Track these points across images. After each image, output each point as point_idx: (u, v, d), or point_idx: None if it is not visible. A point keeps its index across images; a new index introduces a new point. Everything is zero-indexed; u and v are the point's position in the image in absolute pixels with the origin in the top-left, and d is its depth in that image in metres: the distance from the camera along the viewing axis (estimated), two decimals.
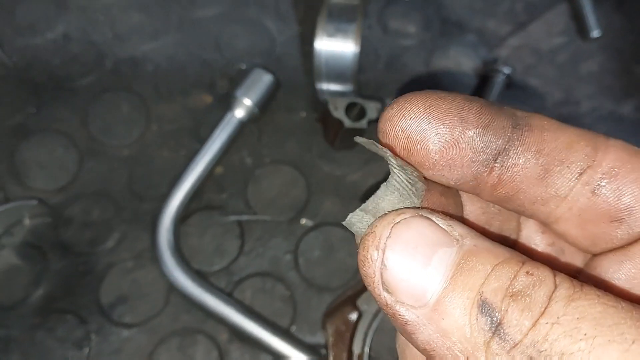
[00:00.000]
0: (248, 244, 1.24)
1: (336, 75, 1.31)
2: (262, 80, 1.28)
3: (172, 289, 1.17)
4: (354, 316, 1.11)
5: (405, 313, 0.38)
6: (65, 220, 1.24)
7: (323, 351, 1.15)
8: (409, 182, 0.44)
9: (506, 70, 1.36)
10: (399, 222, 0.40)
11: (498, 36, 1.49)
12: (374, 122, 1.18)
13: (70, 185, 1.27)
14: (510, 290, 0.37)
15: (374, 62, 1.43)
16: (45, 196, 1.25)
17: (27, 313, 1.17)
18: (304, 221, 1.26)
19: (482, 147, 0.42)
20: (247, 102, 1.25)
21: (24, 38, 1.40)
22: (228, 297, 1.17)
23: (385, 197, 0.45)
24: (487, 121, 0.41)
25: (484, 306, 0.37)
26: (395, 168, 0.44)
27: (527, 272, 0.38)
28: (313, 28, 1.32)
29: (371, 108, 1.17)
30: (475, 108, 0.42)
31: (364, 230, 0.45)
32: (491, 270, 0.38)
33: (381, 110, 1.13)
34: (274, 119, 1.35)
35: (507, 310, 0.37)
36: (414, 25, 1.48)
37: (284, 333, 1.15)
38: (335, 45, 1.30)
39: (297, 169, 1.30)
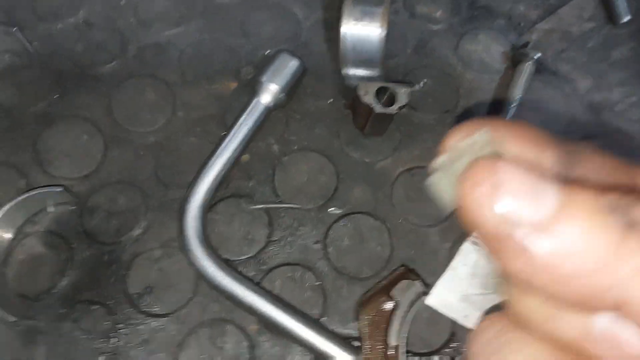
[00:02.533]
0: (276, 232, 1.20)
1: (363, 59, 1.28)
2: (289, 65, 1.24)
3: (201, 278, 1.14)
4: (389, 307, 1.08)
5: (522, 231, 0.36)
6: (90, 208, 1.20)
7: (355, 342, 1.11)
8: None
9: (535, 55, 1.32)
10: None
11: (528, 20, 1.45)
12: (404, 107, 1.14)
13: (95, 173, 1.24)
14: (628, 199, 0.36)
15: (402, 47, 1.39)
16: (69, 184, 1.21)
17: (52, 303, 1.14)
18: (332, 209, 1.22)
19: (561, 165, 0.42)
20: (273, 87, 1.21)
21: (45, 24, 1.37)
22: (257, 286, 1.13)
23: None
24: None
25: (610, 206, 0.35)
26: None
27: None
28: (339, 13, 1.28)
29: (401, 93, 1.14)
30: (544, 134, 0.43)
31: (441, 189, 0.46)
32: (600, 193, 0.37)
33: (411, 95, 1.09)
34: (301, 105, 1.31)
35: (637, 207, 0.35)
36: (441, 9, 1.44)
37: (315, 324, 1.11)
38: (362, 29, 1.26)
39: (325, 155, 1.27)
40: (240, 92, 1.32)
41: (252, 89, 1.27)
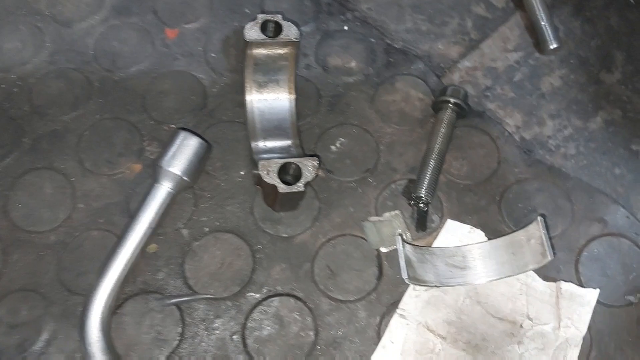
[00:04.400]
0: (190, 328, 1.17)
1: (273, 128, 1.24)
2: (189, 145, 1.20)
3: None
4: None
5: None
6: None
7: None
8: None
9: (453, 100, 1.28)
10: None
11: (448, 59, 1.41)
12: (311, 181, 1.11)
13: None
14: None
15: (316, 105, 1.36)
16: None
17: None
18: (250, 294, 1.18)
19: None
20: (175, 171, 1.17)
21: None
22: None
23: None
24: None
25: None
26: None
27: None
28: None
29: (307, 167, 1.10)
30: None
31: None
32: None
33: (318, 168, 1.05)
34: (210, 181, 1.28)
35: None
36: (355, 59, 1.41)
37: None
38: (268, 97, 1.23)
39: (239, 235, 1.24)
40: (146, 174, 1.28)
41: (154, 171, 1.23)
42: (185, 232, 1.23)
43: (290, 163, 1.11)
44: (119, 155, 1.31)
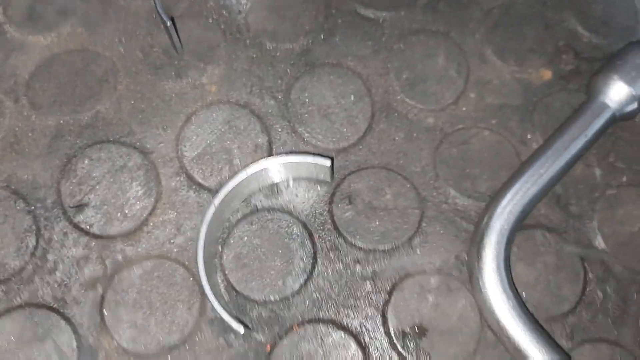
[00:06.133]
0: (593, 290, 0.91)
1: None
2: None
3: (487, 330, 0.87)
4: None
5: None
6: (346, 194, 0.95)
7: None
8: None
9: None
10: None
11: None
12: None
13: (354, 146, 0.99)
14: None
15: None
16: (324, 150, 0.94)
17: None
18: None
19: None
20: (628, 91, 0.94)
21: None
22: None
23: None
24: None
25: None
26: None
27: None
28: None
29: None
30: None
31: None
32: None
33: None
34: (635, 122, 1.02)
35: None
36: None
37: None
38: None
39: None
40: (555, 85, 1.04)
41: (571, 83, 1.03)
42: (597, 172, 0.99)
43: None
44: (528, 51, 1.08)
